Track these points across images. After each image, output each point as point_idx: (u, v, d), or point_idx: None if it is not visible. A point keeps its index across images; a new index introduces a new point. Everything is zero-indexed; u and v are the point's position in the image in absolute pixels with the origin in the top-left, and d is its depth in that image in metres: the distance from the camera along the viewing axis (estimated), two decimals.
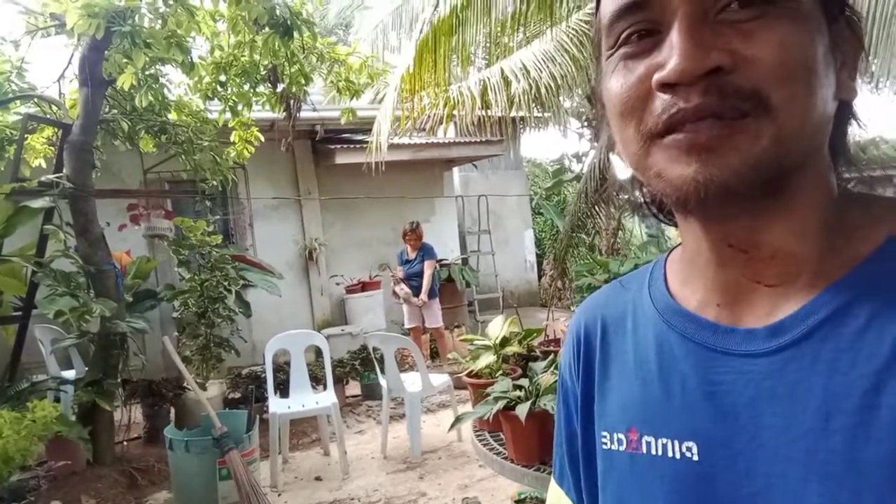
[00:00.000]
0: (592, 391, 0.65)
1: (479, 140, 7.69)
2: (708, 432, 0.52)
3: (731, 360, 0.52)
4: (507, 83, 5.25)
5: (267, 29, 4.04)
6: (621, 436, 0.59)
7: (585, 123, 9.75)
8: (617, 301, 0.67)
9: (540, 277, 10.77)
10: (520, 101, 5.29)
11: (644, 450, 0.57)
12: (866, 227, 0.51)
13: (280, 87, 4.81)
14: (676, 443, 0.54)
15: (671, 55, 0.46)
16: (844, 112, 0.53)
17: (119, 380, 4.25)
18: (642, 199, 0.62)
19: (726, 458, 0.51)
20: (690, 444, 0.53)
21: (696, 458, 0.53)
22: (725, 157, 0.46)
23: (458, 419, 2.61)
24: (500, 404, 2.33)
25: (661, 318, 0.59)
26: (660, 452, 0.56)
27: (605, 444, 0.61)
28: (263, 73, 4.76)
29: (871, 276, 0.49)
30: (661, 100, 0.48)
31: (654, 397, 0.57)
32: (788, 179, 0.49)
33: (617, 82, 0.52)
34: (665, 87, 0.47)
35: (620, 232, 10.46)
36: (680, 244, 0.62)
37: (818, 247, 0.51)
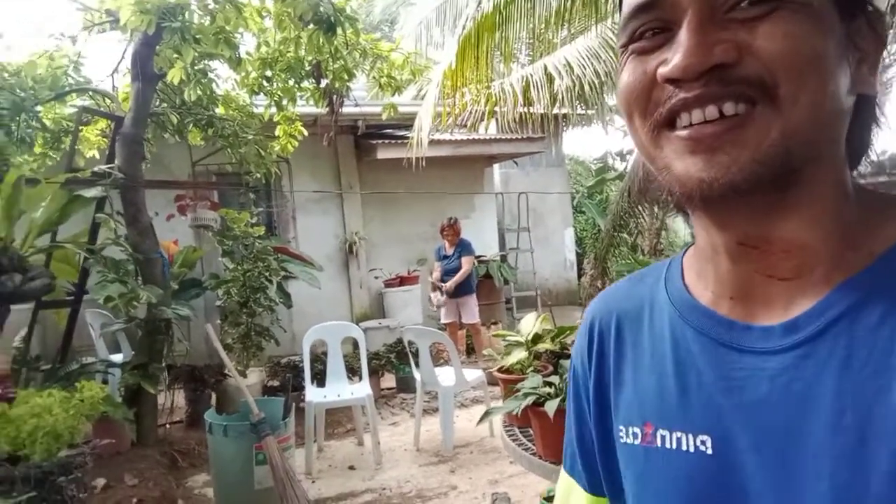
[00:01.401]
0: (607, 384, 0.66)
1: (520, 137, 7.65)
2: (722, 427, 0.53)
3: (747, 356, 0.53)
4: (551, 80, 5.21)
5: (311, 25, 4.11)
6: (636, 430, 0.60)
7: None
8: (633, 295, 0.67)
9: (580, 277, 10.67)
10: (563, 97, 5.25)
11: (659, 443, 0.57)
12: (885, 224, 0.51)
13: (324, 83, 4.89)
14: (691, 436, 0.55)
15: (677, 50, 0.47)
16: (864, 107, 0.52)
17: (163, 364, 4.38)
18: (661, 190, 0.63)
19: (740, 454, 0.51)
20: (705, 437, 0.54)
21: (709, 451, 0.53)
22: (731, 153, 0.47)
23: (487, 413, 2.63)
24: (529, 400, 2.33)
25: (677, 313, 0.59)
26: (674, 446, 0.56)
27: (622, 437, 0.62)
28: (308, 68, 4.84)
29: (888, 273, 0.48)
30: (667, 89, 0.49)
31: (670, 392, 0.58)
32: (799, 173, 0.48)
33: (626, 75, 0.53)
34: (669, 81, 0.48)
35: (664, 232, 10.29)
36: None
37: (834, 241, 0.50)
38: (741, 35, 0.46)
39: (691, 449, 0.54)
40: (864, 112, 0.53)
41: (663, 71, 0.48)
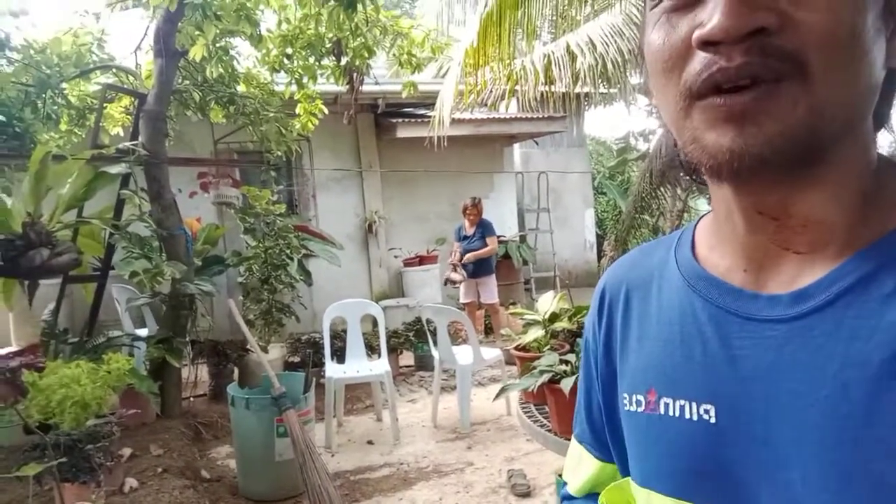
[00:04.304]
0: (614, 352, 0.66)
1: (541, 116, 7.58)
2: (727, 395, 0.53)
3: (754, 325, 0.52)
4: (573, 58, 5.14)
5: (332, 2, 4.10)
6: (640, 397, 0.60)
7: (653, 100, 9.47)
8: (643, 265, 0.67)
9: (600, 258, 10.62)
10: (585, 76, 5.18)
11: (662, 411, 0.57)
12: None
13: (344, 61, 4.88)
14: (695, 405, 0.55)
15: (714, 12, 0.45)
16: (891, 77, 0.50)
17: (187, 339, 4.46)
18: (679, 161, 0.62)
19: (744, 423, 0.51)
20: (709, 406, 0.54)
21: (713, 420, 0.53)
22: (760, 124, 0.45)
23: (504, 388, 2.65)
24: (546, 377, 2.35)
25: (686, 282, 0.59)
26: (677, 414, 0.56)
27: (626, 405, 0.62)
28: (328, 46, 4.84)
29: None
30: (702, 58, 0.46)
31: (675, 359, 0.58)
32: (826, 150, 0.47)
33: (658, 37, 0.50)
34: (707, 45, 0.45)
35: (686, 214, 10.17)
36: (710, 212, 0.61)
37: (852, 216, 0.50)
38: (782, 4, 0.44)
39: (695, 417, 0.54)
40: (891, 82, 0.51)
41: (701, 33, 0.45)
